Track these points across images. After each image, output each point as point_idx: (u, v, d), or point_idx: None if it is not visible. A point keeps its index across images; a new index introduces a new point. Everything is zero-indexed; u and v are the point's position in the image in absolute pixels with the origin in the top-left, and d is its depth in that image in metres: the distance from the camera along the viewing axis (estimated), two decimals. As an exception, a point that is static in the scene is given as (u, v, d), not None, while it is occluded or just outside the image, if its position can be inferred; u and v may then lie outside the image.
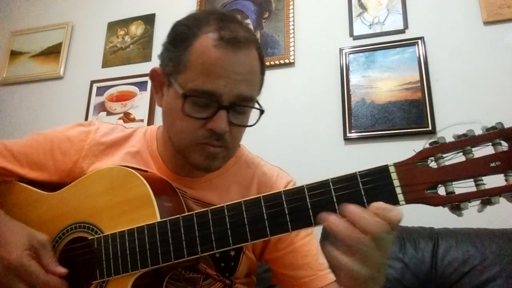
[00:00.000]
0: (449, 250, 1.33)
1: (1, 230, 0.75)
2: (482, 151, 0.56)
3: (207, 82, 0.71)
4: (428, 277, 1.31)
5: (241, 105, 0.75)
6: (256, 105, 0.78)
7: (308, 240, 0.85)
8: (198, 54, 0.72)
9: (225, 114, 0.72)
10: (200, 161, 0.76)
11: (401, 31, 1.89)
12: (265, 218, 0.64)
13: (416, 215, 1.44)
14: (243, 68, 0.73)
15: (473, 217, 1.39)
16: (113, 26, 2.49)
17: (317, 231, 0.88)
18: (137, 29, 2.43)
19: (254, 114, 0.81)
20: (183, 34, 0.76)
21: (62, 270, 0.74)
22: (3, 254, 0.72)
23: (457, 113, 1.67)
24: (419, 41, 1.82)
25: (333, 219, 0.57)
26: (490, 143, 0.55)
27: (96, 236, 0.75)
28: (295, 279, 0.83)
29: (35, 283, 0.71)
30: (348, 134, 1.80)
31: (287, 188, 0.64)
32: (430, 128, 1.68)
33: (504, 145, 0.55)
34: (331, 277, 0.82)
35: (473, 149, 0.56)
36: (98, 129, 0.90)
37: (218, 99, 0.72)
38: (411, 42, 1.84)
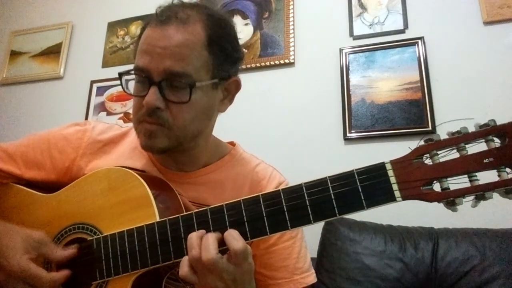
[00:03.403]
0: (449, 250, 1.33)
1: None
2: (476, 147, 0.57)
3: (139, 60, 0.74)
4: (428, 277, 1.31)
5: (174, 81, 0.73)
6: (191, 81, 0.73)
7: (290, 243, 0.85)
8: (141, 39, 0.77)
9: (155, 90, 0.72)
10: (142, 140, 0.77)
11: (401, 31, 1.89)
12: (264, 216, 0.64)
13: (416, 215, 1.45)
14: (169, 42, 0.72)
15: (473, 217, 1.40)
16: (113, 26, 2.49)
17: (304, 230, 0.89)
18: (137, 29, 2.42)
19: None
20: (142, 27, 0.80)
21: (70, 251, 0.75)
22: (2, 262, 0.71)
23: (457, 113, 1.67)
24: (419, 41, 1.82)
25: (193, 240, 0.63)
26: (483, 140, 0.57)
27: (95, 237, 0.75)
28: (270, 279, 0.84)
29: (39, 285, 0.71)
30: (348, 134, 1.80)
31: (285, 187, 0.64)
32: (430, 128, 1.67)
33: (497, 142, 0.56)
34: (305, 281, 0.84)
35: (467, 145, 0.57)
36: (94, 127, 0.90)
37: (149, 75, 0.73)
38: (411, 42, 1.84)
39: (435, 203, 0.58)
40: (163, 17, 0.74)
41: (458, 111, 1.68)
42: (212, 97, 0.80)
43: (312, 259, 0.90)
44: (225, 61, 0.79)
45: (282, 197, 0.63)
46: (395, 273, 1.33)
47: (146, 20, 0.80)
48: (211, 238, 0.62)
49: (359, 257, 1.39)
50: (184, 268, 0.63)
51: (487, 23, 1.76)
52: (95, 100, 2.35)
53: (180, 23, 0.73)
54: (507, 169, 0.55)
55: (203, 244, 0.62)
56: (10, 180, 0.87)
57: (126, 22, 2.46)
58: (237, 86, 0.85)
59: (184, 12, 0.75)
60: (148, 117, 0.74)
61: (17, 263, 0.71)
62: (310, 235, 1.13)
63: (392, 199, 0.59)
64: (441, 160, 0.58)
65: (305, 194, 0.63)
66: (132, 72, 0.76)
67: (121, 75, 0.77)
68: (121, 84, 0.77)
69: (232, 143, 0.95)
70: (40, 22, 2.67)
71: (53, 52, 2.55)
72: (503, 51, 1.71)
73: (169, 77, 0.73)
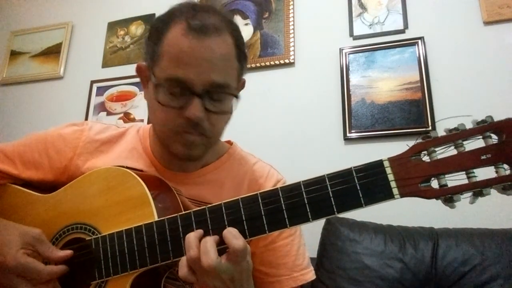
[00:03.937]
0: (449, 250, 1.33)
1: None
2: (473, 144, 0.57)
3: (178, 71, 0.72)
4: (428, 277, 1.31)
5: (215, 92, 0.74)
6: (232, 91, 0.77)
7: (290, 241, 0.86)
8: (169, 45, 0.74)
9: (199, 102, 0.73)
10: (180, 150, 0.77)
11: (401, 31, 1.89)
12: (263, 215, 0.64)
13: (416, 215, 1.45)
14: (213, 55, 0.73)
15: (473, 217, 1.39)
16: (113, 26, 2.49)
17: (304, 230, 0.88)
18: (137, 29, 2.43)
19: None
20: (157, 27, 0.78)
21: (67, 252, 0.74)
22: None
23: (457, 113, 1.64)
24: (419, 41, 1.82)
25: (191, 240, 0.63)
26: (481, 136, 0.56)
27: (94, 236, 0.75)
28: (269, 276, 0.85)
29: (37, 278, 0.71)
30: (348, 134, 1.80)
31: (284, 185, 0.64)
32: (430, 128, 1.67)
33: (494, 138, 0.56)
34: (305, 278, 0.84)
35: (465, 142, 0.57)
36: (91, 127, 0.91)
37: (191, 87, 0.72)
38: (411, 42, 1.84)
39: (433, 201, 0.58)
40: (197, 25, 0.72)
41: (458, 111, 1.67)
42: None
43: (312, 259, 0.90)
44: (244, 66, 0.82)
45: (281, 195, 0.63)
46: (395, 273, 1.33)
47: (162, 20, 0.77)
48: (210, 242, 0.62)
49: (359, 257, 1.39)
50: (183, 268, 0.63)
51: (487, 23, 1.76)
52: (95, 100, 2.35)
53: (217, 35, 0.73)
54: (505, 166, 0.55)
55: (202, 248, 0.62)
56: (7, 180, 0.87)
57: (126, 22, 2.47)
58: (243, 85, 0.87)
59: (215, 21, 0.75)
60: (190, 129, 0.75)
61: (13, 258, 0.71)
62: (310, 235, 1.13)
63: (390, 196, 0.59)
64: (439, 157, 0.58)
65: (303, 192, 0.62)
66: (172, 84, 0.73)
67: (158, 86, 0.74)
68: (156, 95, 0.74)
69: (229, 142, 0.96)
70: (40, 22, 2.67)
71: (53, 52, 2.55)
72: (503, 51, 1.70)
73: (212, 88, 0.73)
